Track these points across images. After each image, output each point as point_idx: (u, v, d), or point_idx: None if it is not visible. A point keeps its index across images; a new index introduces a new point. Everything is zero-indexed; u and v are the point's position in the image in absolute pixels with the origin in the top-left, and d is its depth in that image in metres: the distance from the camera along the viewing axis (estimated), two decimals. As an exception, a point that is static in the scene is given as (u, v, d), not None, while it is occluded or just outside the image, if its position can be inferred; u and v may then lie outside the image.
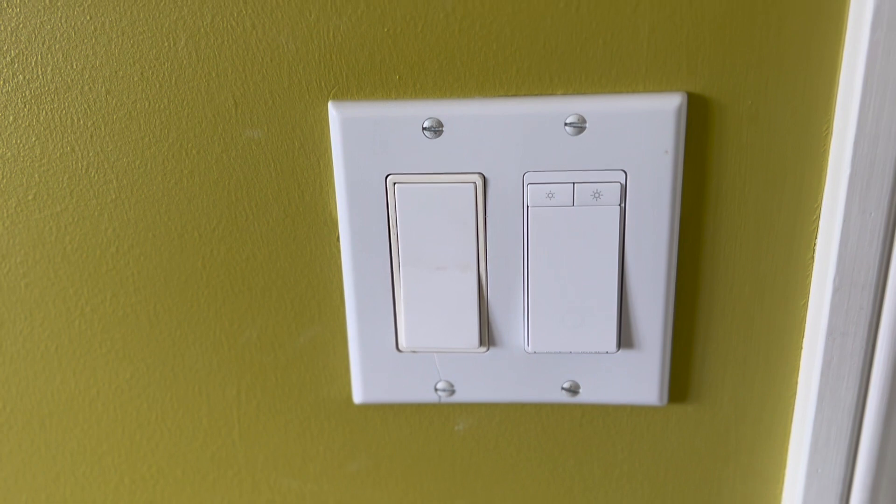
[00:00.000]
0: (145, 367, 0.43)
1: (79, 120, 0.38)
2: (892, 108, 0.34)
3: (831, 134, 0.36)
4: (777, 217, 0.38)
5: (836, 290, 0.37)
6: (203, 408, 0.44)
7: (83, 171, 0.39)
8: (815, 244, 0.38)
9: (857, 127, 0.35)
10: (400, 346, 0.41)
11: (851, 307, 0.37)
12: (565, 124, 0.36)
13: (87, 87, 0.38)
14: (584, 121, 0.36)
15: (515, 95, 0.37)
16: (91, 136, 0.39)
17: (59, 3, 0.36)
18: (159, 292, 0.42)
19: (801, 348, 0.40)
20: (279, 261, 0.41)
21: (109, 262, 0.41)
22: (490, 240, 0.39)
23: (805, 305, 0.40)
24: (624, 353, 0.40)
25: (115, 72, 0.37)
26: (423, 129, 0.37)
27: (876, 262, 0.36)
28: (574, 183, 0.37)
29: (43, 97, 0.38)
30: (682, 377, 0.42)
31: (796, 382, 0.41)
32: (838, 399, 0.39)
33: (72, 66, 0.37)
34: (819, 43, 0.35)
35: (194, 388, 0.44)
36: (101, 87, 0.38)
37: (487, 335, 0.40)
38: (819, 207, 0.38)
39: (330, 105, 0.37)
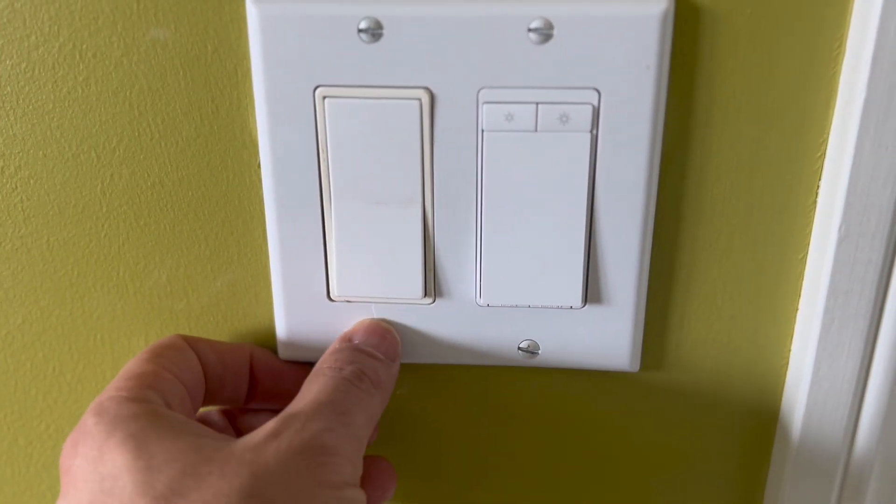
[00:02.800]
0: (38, 311, 0.37)
1: (-50, 10, 0.32)
2: (920, 18, 0.28)
3: (843, 54, 0.31)
4: (775, 153, 0.32)
5: (842, 241, 0.31)
6: (107, 360, 0.38)
7: (-43, 74, 0.33)
8: (818, 187, 0.33)
9: (876, 43, 0.29)
10: (331, 295, 0.35)
11: (858, 261, 0.32)
12: (529, 30, 0.30)
13: (-43, -30, 0.31)
14: (550, 26, 0.30)
15: (470, -6, 0.31)
16: (-35, 31, 0.32)
17: None
18: (52, 223, 0.36)
19: (797, 309, 0.35)
20: (191, 189, 0.35)
21: (-7, 185, 0.35)
22: (437, 170, 0.33)
23: (804, 259, 0.34)
24: (591, 309, 0.34)
25: (-8, -48, 0.31)
26: (359, 31, 0.31)
27: (891, 207, 0.30)
28: (537, 103, 0.31)
29: None
30: (657, 339, 0.36)
31: (790, 349, 0.35)
32: (837, 369, 0.33)
33: (-62, -57, 0.31)
34: (835, -61, 0.29)
35: (96, 337, 0.38)
36: (-23, -30, 0.31)
37: (433, 284, 0.35)
38: (825, 143, 0.32)
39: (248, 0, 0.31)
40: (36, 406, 0.39)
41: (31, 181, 0.35)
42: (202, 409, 0.35)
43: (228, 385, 0.34)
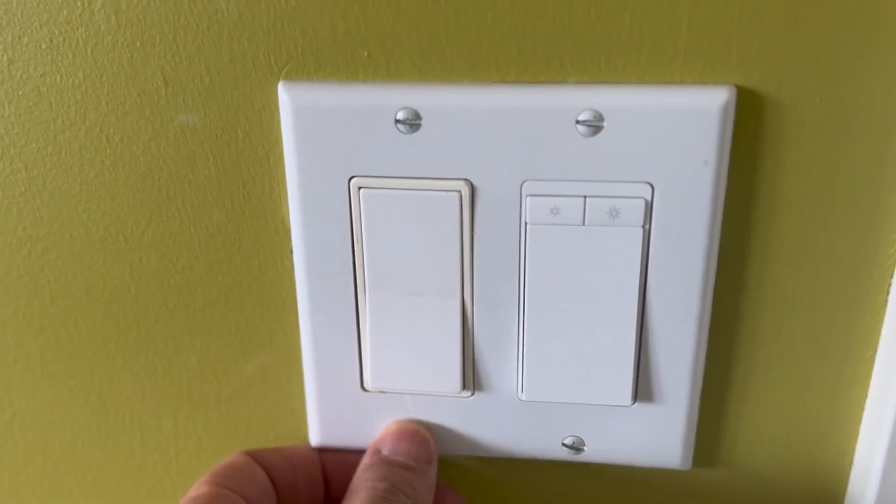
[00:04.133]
0: (67, 390, 0.36)
1: (-25, 94, 0.31)
2: None
3: (923, 146, 0.28)
4: (843, 248, 0.30)
5: (917, 348, 0.29)
6: (136, 439, 0.37)
7: (-17, 158, 0.32)
8: (889, 284, 0.30)
9: (962, 141, 0.26)
10: (365, 385, 0.33)
11: (935, 369, 0.29)
12: (577, 122, 0.28)
13: (-18, 55, 0.30)
14: (601, 118, 0.28)
15: (515, 83, 0.29)
16: (-9, 115, 0.31)
17: (-58, -52, 0.29)
18: (81, 304, 0.35)
19: (864, 409, 0.32)
20: (222, 274, 0.33)
21: (21, 266, 0.34)
22: (478, 262, 0.31)
23: (872, 359, 0.31)
24: (641, 407, 0.32)
25: (18, 37, 0.30)
26: (397, 121, 0.29)
27: (973, 317, 0.28)
28: (585, 196, 0.29)
29: (-70, 65, 0.31)
30: (710, 436, 0.34)
31: (853, 451, 0.33)
32: (909, 481, 0.31)
33: (-37, 28, 0.30)
34: (917, 27, 0.26)
35: (125, 417, 0.37)
36: (2, 55, 0.30)
37: (472, 378, 0.33)
38: (899, 239, 0.30)
39: (280, 87, 0.29)
40: (64, 483, 0.38)
41: (59, 263, 0.34)
42: None
43: (302, 487, 0.33)
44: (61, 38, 0.30)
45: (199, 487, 0.30)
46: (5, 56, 0.30)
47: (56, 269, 0.34)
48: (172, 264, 0.33)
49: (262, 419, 0.36)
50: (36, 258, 0.34)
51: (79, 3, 0.29)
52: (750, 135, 0.29)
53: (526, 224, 0.30)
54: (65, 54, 0.30)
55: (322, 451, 0.35)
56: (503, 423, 0.33)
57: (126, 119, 0.31)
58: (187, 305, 0.34)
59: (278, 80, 0.30)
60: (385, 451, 0.32)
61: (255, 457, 0.33)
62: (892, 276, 0.30)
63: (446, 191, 0.30)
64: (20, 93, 0.31)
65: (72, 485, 0.39)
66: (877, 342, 0.31)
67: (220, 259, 0.33)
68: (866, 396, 0.32)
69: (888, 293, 0.30)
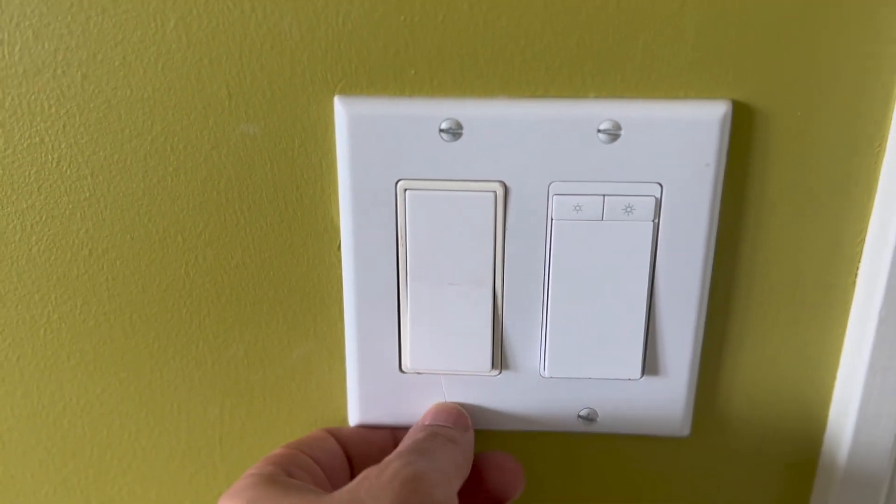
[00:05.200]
0: (118, 382, 0.39)
1: (50, 107, 0.34)
2: (957, 126, 0.31)
3: (884, 151, 0.33)
4: (819, 240, 0.35)
5: (882, 322, 0.34)
6: (182, 427, 0.40)
7: (53, 165, 0.35)
8: (857, 268, 0.36)
9: (917, 145, 0.32)
10: (403, 367, 0.37)
11: (897, 339, 0.34)
12: (598, 131, 0.33)
13: (60, 71, 0.33)
14: (618, 128, 0.33)
15: (544, 97, 0.33)
16: (64, 126, 0.34)
17: (30, -26, 0.32)
18: (136, 301, 0.37)
19: (836, 379, 0.38)
20: (272, 269, 0.37)
21: (81, 266, 0.37)
22: (509, 254, 0.35)
23: (843, 333, 0.37)
24: (647, 380, 0.37)
25: (94, 55, 0.33)
26: (440, 130, 0.33)
27: (929, 293, 0.33)
28: (605, 195, 0.34)
29: (9, 80, 0.33)
30: (706, 406, 0.39)
31: (826, 417, 0.38)
32: (875, 439, 0.36)
33: (43, 47, 0.33)
34: (879, 51, 0.32)
35: (172, 406, 0.40)
36: (77, 71, 0.33)
37: (500, 357, 0.37)
38: (864, 231, 0.35)
39: (336, 100, 0.33)
40: (110, 470, 0.41)
41: (118, 262, 0.37)
42: None
43: (376, 459, 0.34)
44: (133, 56, 0.33)
45: (275, 450, 0.34)
46: (80, 72, 0.33)
47: (115, 268, 0.37)
48: (227, 261, 0.37)
49: (303, 405, 0.39)
50: (96, 258, 0.37)
51: (152, 24, 0.33)
52: (743, 142, 0.34)
53: (552, 220, 0.34)
54: (136, 70, 0.33)
55: (396, 430, 0.38)
56: (527, 399, 0.38)
57: (190, 129, 0.34)
58: (239, 299, 0.37)
59: (333, 95, 0.33)
60: (427, 422, 0.36)
61: (332, 431, 0.37)
62: (859, 262, 0.35)
63: (483, 191, 0.34)
64: (91, 105, 0.34)
65: (116, 473, 0.41)
66: (847, 319, 0.36)
67: (272, 256, 0.36)
68: (838, 365, 0.37)
69: (856, 276, 0.36)
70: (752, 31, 0.32)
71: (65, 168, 0.35)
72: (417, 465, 0.31)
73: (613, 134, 0.33)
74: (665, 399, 0.37)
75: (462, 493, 0.34)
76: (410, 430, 0.36)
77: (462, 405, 0.38)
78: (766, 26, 0.32)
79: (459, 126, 0.33)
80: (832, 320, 0.36)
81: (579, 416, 0.38)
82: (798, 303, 0.36)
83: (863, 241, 0.35)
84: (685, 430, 0.38)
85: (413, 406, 0.38)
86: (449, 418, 0.36)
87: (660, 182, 0.33)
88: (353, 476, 0.36)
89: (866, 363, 0.35)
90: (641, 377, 0.37)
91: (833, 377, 0.37)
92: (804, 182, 0.34)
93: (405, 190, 0.34)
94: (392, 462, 0.31)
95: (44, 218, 0.36)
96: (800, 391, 0.38)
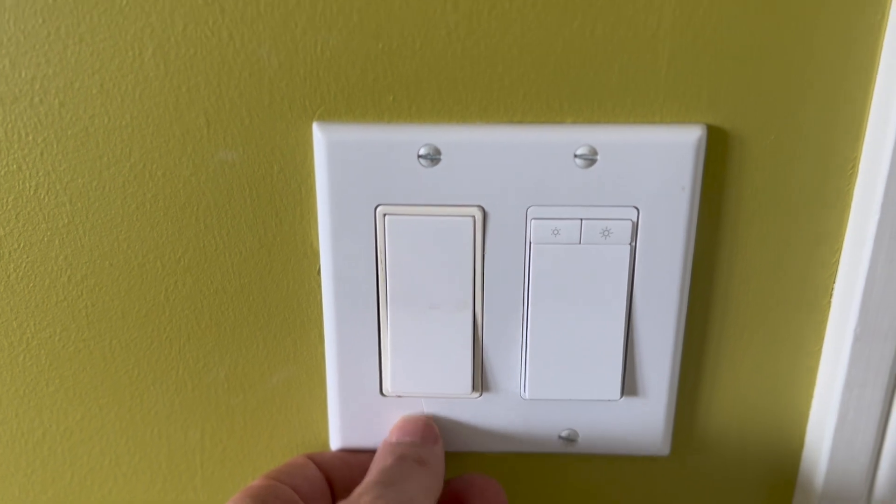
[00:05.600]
0: (98, 408, 0.39)
1: (27, 135, 0.34)
2: (927, 149, 0.32)
3: (857, 174, 0.34)
4: (795, 260, 0.36)
5: (857, 339, 0.35)
6: (162, 451, 0.40)
7: (31, 192, 0.35)
8: (832, 287, 0.36)
9: (890, 168, 0.32)
10: (384, 391, 0.37)
11: (873, 357, 0.35)
12: (575, 156, 0.33)
13: (37, 99, 0.33)
14: (595, 153, 0.33)
15: (521, 122, 0.33)
16: (41, 154, 0.34)
17: (6, 4, 0.32)
18: (115, 327, 0.37)
19: (812, 397, 0.38)
20: (252, 294, 0.37)
21: (60, 292, 0.37)
22: (488, 278, 0.35)
23: (819, 351, 0.37)
24: (627, 401, 0.37)
25: (71, 83, 0.33)
26: (419, 156, 0.33)
27: (902, 312, 0.34)
28: (582, 219, 0.34)
29: (-14, 108, 0.33)
30: (685, 426, 0.39)
31: (804, 433, 0.39)
32: (853, 454, 0.37)
33: (20, 75, 0.33)
34: (850, 76, 0.32)
35: (153, 431, 0.39)
36: (55, 98, 0.33)
37: (481, 380, 0.37)
38: (839, 251, 0.35)
39: (315, 126, 0.33)
40: (91, 496, 0.41)
41: (97, 289, 0.37)
42: None
43: (359, 484, 0.34)
44: (111, 84, 0.33)
45: (253, 482, 0.34)
46: (57, 100, 0.33)
47: (94, 294, 0.37)
48: (206, 287, 0.37)
49: (284, 429, 0.39)
50: (75, 285, 0.37)
51: (130, 52, 0.33)
52: (718, 165, 0.34)
53: (530, 243, 0.34)
54: (114, 98, 0.33)
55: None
56: (507, 420, 0.38)
57: (169, 156, 0.34)
58: (218, 325, 0.37)
59: (312, 121, 0.34)
60: (393, 440, 0.36)
61: (313, 458, 0.37)
62: (834, 281, 0.36)
63: (462, 216, 0.34)
64: (69, 132, 0.34)
65: (97, 499, 0.41)
66: (823, 337, 0.37)
67: (252, 281, 0.36)
68: (815, 383, 0.38)
69: (831, 295, 0.36)
70: (726, 57, 0.32)
71: (42, 195, 0.35)
72: (387, 498, 0.31)
73: (590, 159, 0.33)
74: (645, 419, 0.38)
75: None
76: (378, 452, 0.35)
77: (443, 428, 0.38)
78: (740, 52, 0.32)
79: (438, 151, 0.33)
80: (808, 339, 0.37)
81: (560, 437, 0.38)
82: (774, 322, 0.37)
83: (837, 260, 0.35)
84: (665, 450, 0.38)
85: (394, 429, 0.38)
86: (416, 431, 0.36)
87: (636, 206, 0.34)
88: (334, 502, 0.36)
89: (842, 381, 0.35)
90: (621, 398, 0.37)
91: (810, 395, 0.38)
92: (779, 204, 0.35)
93: (384, 215, 0.34)
94: (362, 496, 0.31)
95: (22, 245, 0.36)
96: (777, 409, 0.38)
